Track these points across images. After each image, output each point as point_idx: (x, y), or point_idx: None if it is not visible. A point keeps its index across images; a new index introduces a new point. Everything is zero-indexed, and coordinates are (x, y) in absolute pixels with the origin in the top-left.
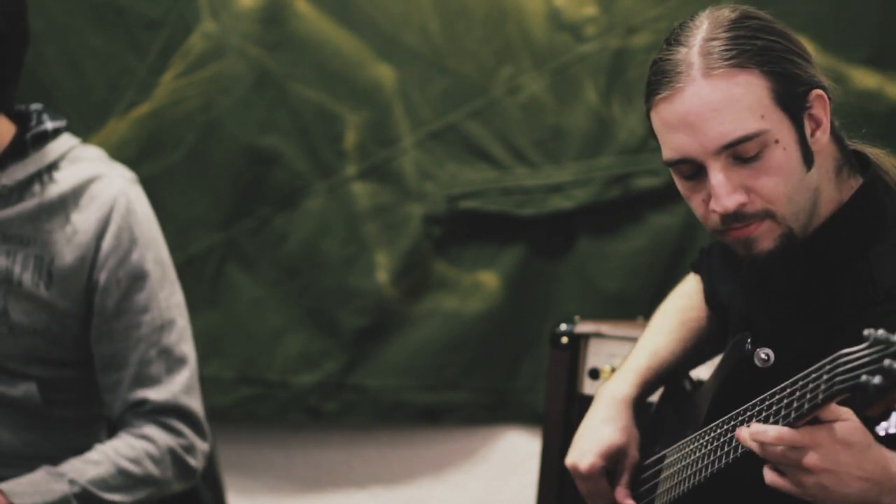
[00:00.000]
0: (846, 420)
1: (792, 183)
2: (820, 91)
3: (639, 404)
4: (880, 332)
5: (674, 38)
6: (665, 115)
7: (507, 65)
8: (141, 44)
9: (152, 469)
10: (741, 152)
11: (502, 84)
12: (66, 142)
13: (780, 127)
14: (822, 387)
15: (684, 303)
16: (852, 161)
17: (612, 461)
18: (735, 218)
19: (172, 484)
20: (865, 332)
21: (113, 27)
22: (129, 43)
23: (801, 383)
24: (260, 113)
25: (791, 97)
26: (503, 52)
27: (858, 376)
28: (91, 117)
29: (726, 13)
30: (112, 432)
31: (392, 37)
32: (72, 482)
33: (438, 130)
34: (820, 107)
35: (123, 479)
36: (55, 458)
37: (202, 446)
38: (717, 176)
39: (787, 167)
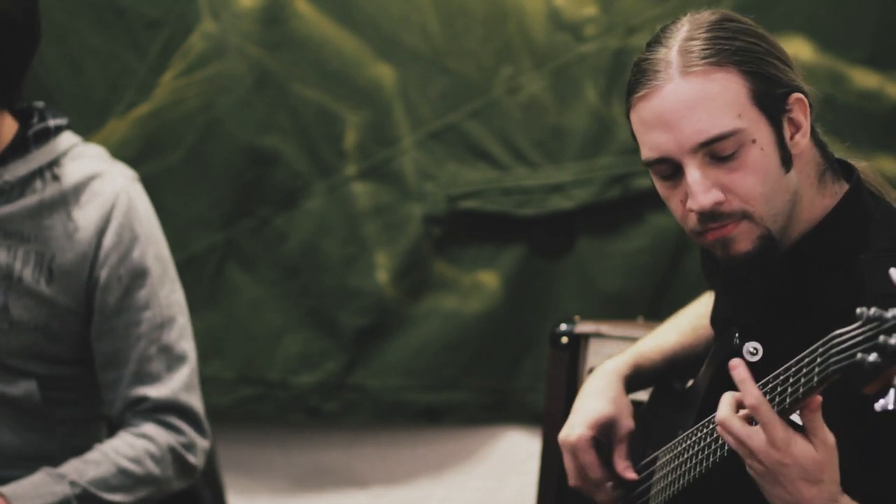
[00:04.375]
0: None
1: (769, 184)
2: (800, 95)
3: (629, 383)
4: (873, 309)
5: (655, 40)
6: (643, 113)
7: (507, 65)
8: (141, 44)
9: (153, 468)
10: (718, 151)
11: (502, 84)
12: (67, 139)
13: (757, 127)
14: (817, 369)
15: (704, 311)
16: (835, 167)
17: (603, 432)
18: (712, 217)
19: (173, 482)
20: (858, 310)
21: (113, 27)
22: (129, 43)
23: (794, 369)
24: (260, 113)
25: (770, 98)
26: (503, 52)
27: (853, 355)
28: (91, 117)
29: (706, 16)
30: (112, 432)
31: (392, 37)
32: (73, 483)
33: (438, 130)
34: (800, 110)
35: (124, 479)
36: (55, 459)
37: (202, 444)
38: (694, 173)
39: (765, 167)
